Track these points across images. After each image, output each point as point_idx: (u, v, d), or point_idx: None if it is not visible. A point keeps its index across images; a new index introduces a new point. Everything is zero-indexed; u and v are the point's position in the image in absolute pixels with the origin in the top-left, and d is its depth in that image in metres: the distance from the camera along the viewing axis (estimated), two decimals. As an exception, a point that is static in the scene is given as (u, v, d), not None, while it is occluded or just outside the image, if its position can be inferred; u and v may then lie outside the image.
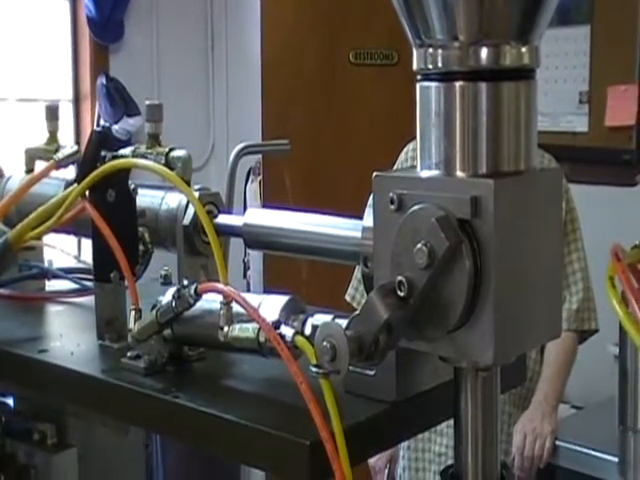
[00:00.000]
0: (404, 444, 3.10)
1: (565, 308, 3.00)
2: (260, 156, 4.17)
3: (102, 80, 4.35)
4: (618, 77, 3.65)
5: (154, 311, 0.97)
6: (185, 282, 0.95)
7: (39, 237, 1.16)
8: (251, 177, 4.61)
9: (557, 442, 2.93)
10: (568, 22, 3.80)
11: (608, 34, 3.70)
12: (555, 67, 3.82)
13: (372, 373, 0.91)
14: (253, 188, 4.52)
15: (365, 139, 3.78)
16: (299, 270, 3.56)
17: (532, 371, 3.03)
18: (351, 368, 0.88)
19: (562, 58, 3.81)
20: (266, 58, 4.02)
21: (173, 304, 0.95)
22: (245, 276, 4.47)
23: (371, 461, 3.22)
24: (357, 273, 2.86)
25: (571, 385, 3.15)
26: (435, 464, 2.93)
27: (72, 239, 1.38)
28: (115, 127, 4.09)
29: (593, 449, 2.89)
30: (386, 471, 3.22)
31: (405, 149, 2.74)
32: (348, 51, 3.97)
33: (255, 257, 4.40)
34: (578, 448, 2.95)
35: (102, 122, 4.39)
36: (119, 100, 4.27)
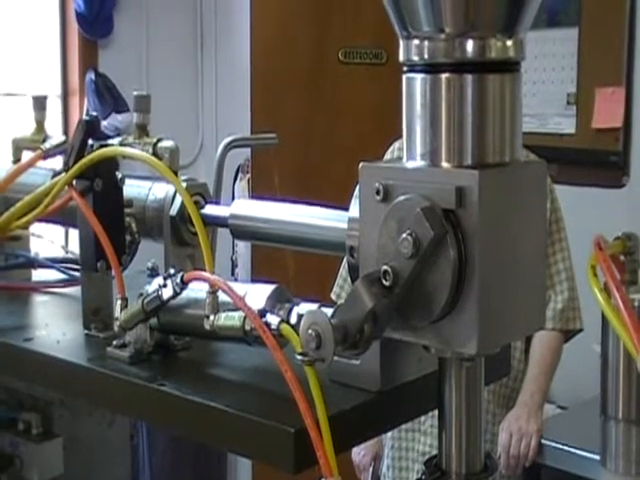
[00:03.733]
0: (388, 443, 3.11)
1: (550, 308, 3.01)
2: (249, 154, 4.17)
3: (91, 76, 4.34)
4: (606, 79, 3.67)
5: (140, 299, 0.97)
6: (172, 271, 0.96)
7: (26, 226, 1.16)
8: (240, 175, 4.61)
9: (543, 441, 2.94)
10: (556, 24, 3.81)
11: (596, 36, 3.72)
12: (543, 69, 3.83)
13: (357, 363, 0.91)
14: (242, 186, 4.51)
15: (354, 137, 3.79)
16: (287, 268, 3.57)
17: (517, 371, 3.04)
18: (336, 358, 0.89)
19: (550, 60, 3.82)
20: (255, 56, 4.02)
21: (159, 292, 0.95)
22: (233, 273, 4.47)
23: (356, 459, 3.22)
24: (342, 271, 2.86)
25: (557, 385, 3.16)
26: (419, 463, 2.93)
27: (60, 230, 1.38)
28: (104, 123, 4.08)
29: (578, 448, 2.90)
30: (371, 469, 3.22)
31: (391, 147, 2.74)
32: (337, 50, 3.97)
33: (243, 255, 4.40)
34: (563, 447, 2.97)
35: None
36: (108, 96, 4.26)
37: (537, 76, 3.83)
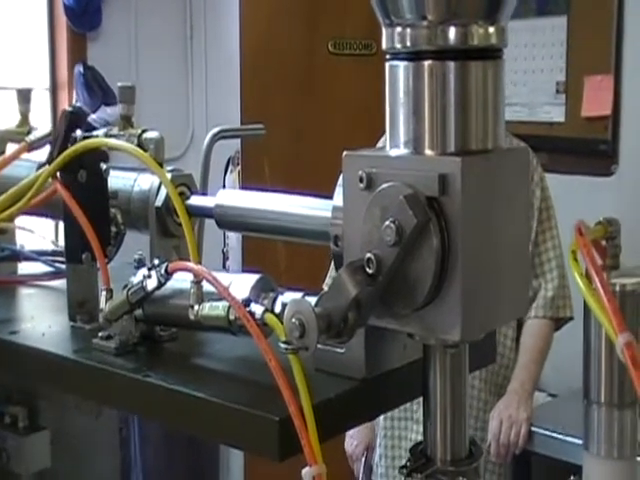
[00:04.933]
0: (381, 432, 3.11)
1: (540, 295, 3.02)
2: (239, 146, 4.17)
3: (80, 69, 4.33)
4: (594, 67, 3.67)
5: (125, 291, 0.97)
6: (156, 261, 0.96)
7: (10, 219, 1.15)
8: (230, 167, 4.60)
9: (533, 428, 2.95)
10: (545, 13, 3.82)
11: (585, 25, 3.72)
12: (532, 57, 3.83)
13: (342, 351, 0.91)
14: (232, 178, 4.51)
15: (344, 129, 3.79)
16: (278, 260, 3.57)
17: (508, 359, 3.05)
18: (321, 346, 0.89)
19: (539, 48, 3.83)
20: (245, 48, 4.01)
21: (144, 283, 0.95)
22: (224, 266, 4.47)
23: (348, 449, 3.23)
24: (331, 272, 2.86)
25: (547, 373, 3.17)
26: (412, 452, 2.94)
27: (50, 224, 1.38)
28: (93, 116, 4.07)
29: (568, 435, 2.91)
30: (363, 459, 3.23)
31: (382, 138, 2.74)
32: (327, 41, 3.97)
33: (234, 247, 4.40)
34: (553, 434, 2.98)
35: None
36: (97, 89, 4.25)
37: (526, 65, 3.83)
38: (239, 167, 4.37)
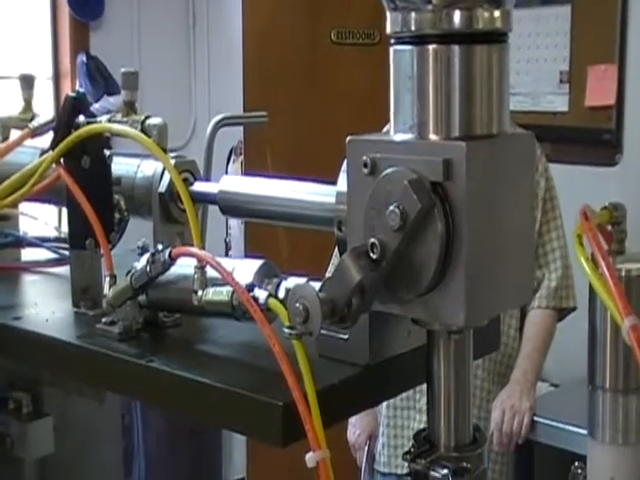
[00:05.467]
0: (383, 421, 3.11)
1: (544, 286, 3.02)
2: (242, 136, 4.16)
3: (82, 58, 4.32)
4: (598, 57, 3.66)
5: (128, 276, 0.97)
6: (160, 247, 0.95)
7: (14, 205, 1.15)
8: (233, 157, 4.60)
9: (535, 418, 2.95)
10: (549, 2, 3.80)
11: (589, 14, 3.71)
12: (536, 46, 3.82)
13: (345, 337, 0.91)
14: (235, 168, 4.50)
15: (347, 118, 3.78)
16: (280, 249, 3.57)
17: (511, 348, 3.05)
18: (325, 332, 0.89)
19: (543, 38, 3.81)
20: (248, 37, 4.00)
21: (147, 269, 0.95)
22: (227, 255, 4.47)
23: (351, 439, 3.23)
24: (337, 251, 2.86)
25: (550, 363, 3.17)
26: (414, 441, 2.94)
27: (54, 210, 1.38)
28: (95, 106, 4.07)
29: (571, 425, 2.91)
30: (366, 448, 3.23)
31: (385, 127, 2.74)
32: (330, 30, 3.96)
33: (236, 237, 4.40)
34: (556, 424, 2.98)
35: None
36: (99, 78, 4.25)
37: (530, 54, 3.82)
38: (242, 157, 4.37)
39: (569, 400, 3.17)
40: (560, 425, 2.97)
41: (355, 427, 3.23)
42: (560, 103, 3.82)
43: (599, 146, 3.74)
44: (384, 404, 3.09)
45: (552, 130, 3.76)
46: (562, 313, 3.11)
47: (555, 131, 3.76)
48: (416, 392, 2.95)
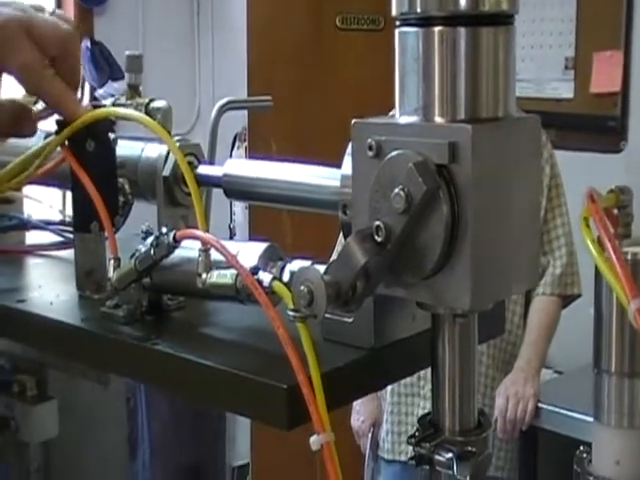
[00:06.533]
0: (388, 408, 3.12)
1: (549, 273, 3.02)
2: (246, 122, 4.16)
3: (86, 44, 4.32)
4: (604, 43, 3.65)
5: (133, 259, 0.97)
6: (164, 229, 0.95)
7: (18, 188, 1.15)
8: (237, 143, 4.60)
9: (539, 404, 2.96)
10: (555, -12, 3.79)
11: (594, 0, 3.70)
12: (541, 33, 3.81)
13: (350, 320, 0.91)
14: (239, 155, 4.51)
15: (351, 105, 3.77)
16: (285, 235, 3.57)
17: (515, 336, 3.06)
18: (329, 315, 0.89)
19: (548, 24, 3.80)
20: (252, 23, 4.00)
21: (151, 252, 0.95)
22: (231, 242, 4.48)
23: (355, 425, 3.24)
24: (341, 238, 2.86)
25: (554, 350, 3.17)
26: (418, 427, 2.95)
27: (58, 194, 1.38)
28: (100, 91, 4.07)
29: (575, 411, 2.92)
30: (370, 435, 3.24)
31: (390, 113, 2.73)
32: (335, 16, 3.95)
33: (241, 223, 4.40)
34: (560, 411, 2.98)
35: (87, 86, 4.37)
36: (104, 64, 4.25)
37: (534, 40, 3.81)
38: (246, 143, 4.37)
39: (573, 387, 3.18)
40: (564, 412, 2.98)
41: (359, 414, 3.24)
42: (565, 90, 3.82)
43: (604, 133, 3.73)
44: (388, 391, 3.10)
45: (557, 117, 3.75)
46: (567, 300, 3.11)
47: (560, 118, 3.76)
48: (420, 379, 2.96)
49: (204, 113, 4.80)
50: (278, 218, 3.63)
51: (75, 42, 1.06)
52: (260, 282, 0.86)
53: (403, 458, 3.04)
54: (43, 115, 1.16)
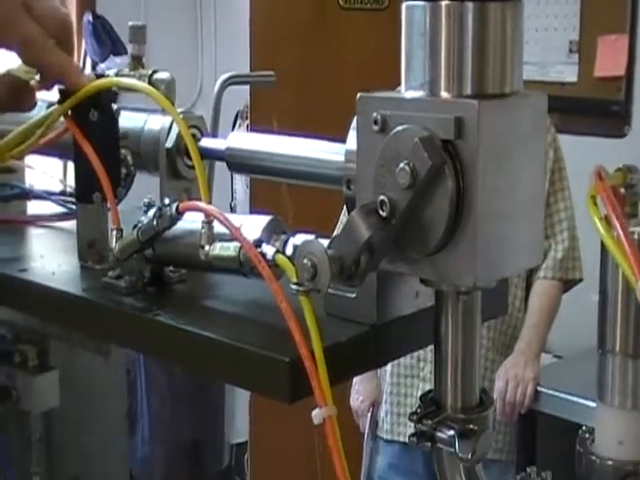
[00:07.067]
0: (387, 389, 3.13)
1: (550, 257, 3.02)
2: (248, 100, 4.14)
3: (88, 18, 4.30)
4: (609, 26, 3.63)
5: (135, 230, 0.97)
6: (166, 201, 0.95)
7: (19, 157, 1.15)
8: (238, 121, 4.59)
9: (538, 388, 2.96)
10: (561, -30, 3.77)
11: (600, -17, 3.68)
12: (545, 15, 3.79)
13: (353, 296, 0.91)
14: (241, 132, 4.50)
15: (354, 84, 3.75)
16: (286, 213, 3.56)
17: (516, 319, 3.06)
18: (332, 291, 0.88)
19: (553, 6, 3.78)
20: (255, 1, 3.98)
21: (154, 222, 0.94)
22: (232, 220, 4.48)
23: (354, 405, 3.25)
24: (343, 217, 2.86)
25: (554, 335, 3.17)
26: (417, 409, 2.96)
27: (59, 164, 1.38)
28: (102, 66, 4.05)
29: (574, 395, 2.92)
30: (369, 415, 3.25)
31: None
32: (338, -6, 3.93)
33: (242, 201, 4.40)
34: (559, 394, 2.99)
35: (89, 60, 4.36)
36: (105, 38, 4.23)
37: (539, 23, 3.79)
38: (247, 121, 4.35)
39: (572, 371, 3.18)
40: (563, 395, 2.98)
41: (358, 394, 3.24)
42: (569, 73, 3.80)
43: (608, 117, 3.72)
44: (387, 372, 3.10)
45: (560, 100, 3.73)
46: (568, 284, 3.11)
47: (563, 101, 3.74)
48: (420, 361, 2.96)
49: (206, 89, 4.79)
50: (279, 197, 3.62)
51: (71, 29, 1.07)
52: (263, 255, 0.86)
53: (402, 439, 3.05)
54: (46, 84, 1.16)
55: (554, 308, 3.03)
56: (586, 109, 3.75)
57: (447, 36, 0.81)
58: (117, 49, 4.22)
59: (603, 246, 0.78)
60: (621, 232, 0.72)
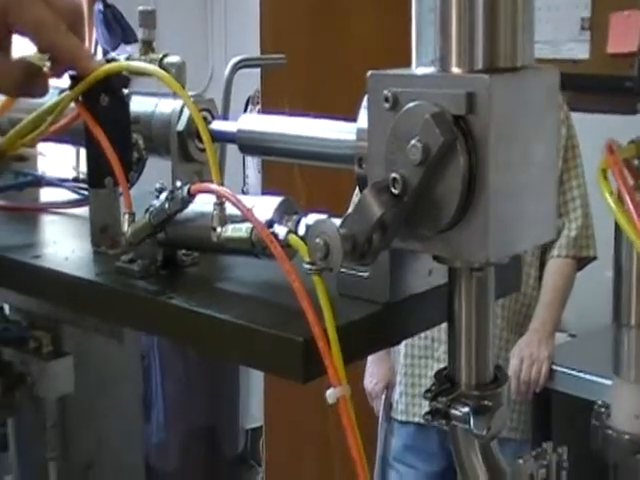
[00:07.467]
0: (401, 370, 3.13)
1: (564, 235, 3.01)
2: (259, 85, 4.14)
3: (99, 6, 4.30)
4: (621, 2, 3.60)
5: (147, 213, 0.97)
6: (178, 184, 0.95)
7: (31, 145, 1.15)
8: (250, 107, 4.58)
9: (553, 367, 2.96)
10: (571, -54, 3.74)
11: (612, -41, 3.65)
12: (557, -7, 3.77)
13: (366, 275, 0.91)
14: (252, 118, 4.49)
15: (363, 65, 3.74)
16: (299, 196, 3.56)
17: (530, 298, 3.05)
18: (344, 270, 0.88)
19: (564, -17, 3.76)
20: (264, -16, 3.96)
21: (166, 205, 0.94)
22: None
23: (368, 387, 3.25)
24: (355, 198, 2.86)
25: (568, 313, 3.17)
26: (432, 390, 2.97)
27: (72, 151, 1.37)
28: (112, 54, 4.05)
29: (588, 373, 2.92)
30: (383, 397, 3.25)
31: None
32: (347, -24, 3.92)
33: (254, 185, 4.40)
34: (574, 373, 2.98)
35: (100, 49, 4.37)
36: (116, 27, 4.23)
37: (551, 1, 3.77)
38: (259, 106, 4.35)
39: (587, 350, 3.18)
40: (577, 374, 2.97)
41: (372, 376, 3.25)
42: (581, 50, 3.78)
43: (620, 94, 3.69)
44: (402, 354, 3.10)
45: (572, 78, 3.71)
46: (581, 262, 3.10)
47: (575, 79, 3.72)
48: (434, 341, 2.96)
49: (217, 74, 4.78)
50: (291, 179, 3.62)
51: (83, 15, 1.07)
52: (275, 235, 0.86)
53: (417, 419, 3.05)
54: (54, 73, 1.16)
55: (568, 286, 3.03)
56: (598, 86, 3.73)
57: (458, 10, 0.81)
58: (128, 38, 4.22)
59: (617, 222, 0.77)
60: (631, 206, 0.71)
